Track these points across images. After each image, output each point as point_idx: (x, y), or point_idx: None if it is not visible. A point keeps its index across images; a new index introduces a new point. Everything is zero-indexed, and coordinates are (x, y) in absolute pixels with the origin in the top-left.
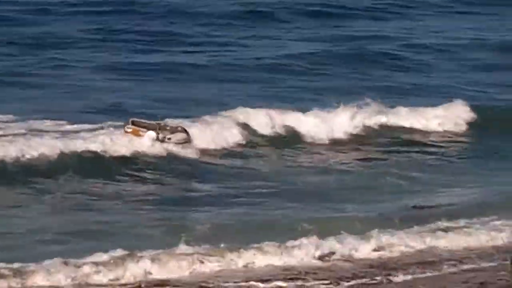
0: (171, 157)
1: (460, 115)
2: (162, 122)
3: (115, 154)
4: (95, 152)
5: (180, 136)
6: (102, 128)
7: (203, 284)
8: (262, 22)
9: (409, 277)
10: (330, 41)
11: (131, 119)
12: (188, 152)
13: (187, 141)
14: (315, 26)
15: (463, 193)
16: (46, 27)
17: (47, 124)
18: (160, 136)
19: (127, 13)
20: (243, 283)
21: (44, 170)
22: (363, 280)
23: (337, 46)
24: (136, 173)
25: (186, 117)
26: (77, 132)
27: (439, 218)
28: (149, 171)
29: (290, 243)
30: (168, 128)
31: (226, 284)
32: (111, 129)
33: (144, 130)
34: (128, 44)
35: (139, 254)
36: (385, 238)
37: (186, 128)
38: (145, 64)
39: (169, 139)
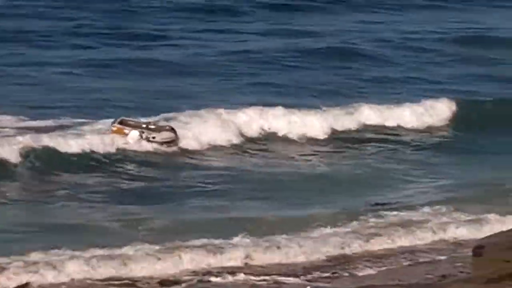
0: (145, 155)
1: (435, 110)
2: (151, 121)
3: (84, 151)
4: (59, 149)
5: (166, 135)
6: (68, 125)
7: (160, 281)
8: (222, 16)
9: (369, 271)
10: (291, 35)
11: (120, 118)
12: (163, 149)
13: (174, 140)
14: (276, 20)
15: (427, 187)
16: (9, 22)
17: (8, 119)
18: (144, 135)
19: (89, 9)
20: (200, 277)
21: (5, 166)
22: (324, 274)
23: (299, 40)
24: (104, 169)
25: (151, 110)
26: (40, 128)
27: (399, 212)
28: (117, 167)
29: (251, 239)
30: (155, 127)
31: (184, 278)
32: (79, 127)
33: (129, 129)
34: (90, 40)
35: (96, 251)
36: (347, 234)
37: (174, 128)
38: (108, 60)
39: (153, 138)
